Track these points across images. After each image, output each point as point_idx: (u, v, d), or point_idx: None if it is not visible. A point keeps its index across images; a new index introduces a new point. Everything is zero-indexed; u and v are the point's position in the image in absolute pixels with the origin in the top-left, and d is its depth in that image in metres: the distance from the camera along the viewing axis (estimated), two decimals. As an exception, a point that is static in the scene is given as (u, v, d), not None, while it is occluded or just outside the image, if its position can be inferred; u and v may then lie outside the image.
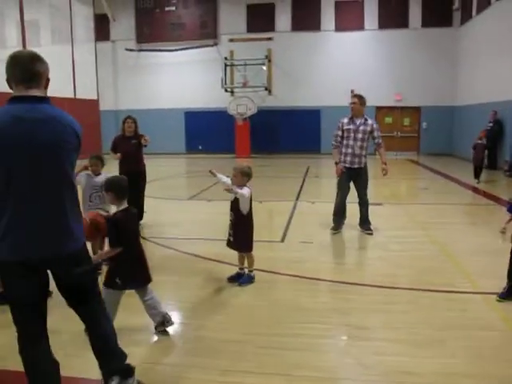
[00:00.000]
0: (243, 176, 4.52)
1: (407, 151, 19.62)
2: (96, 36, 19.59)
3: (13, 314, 2.49)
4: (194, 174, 14.29)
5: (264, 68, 18.89)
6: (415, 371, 3.05)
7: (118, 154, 6.79)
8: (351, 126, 6.55)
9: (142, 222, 6.81)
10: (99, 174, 5.16)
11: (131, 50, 20.98)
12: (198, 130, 20.62)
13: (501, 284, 4.19)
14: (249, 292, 4.50)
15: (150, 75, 20.71)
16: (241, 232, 4.56)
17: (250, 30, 20.11)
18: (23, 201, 2.33)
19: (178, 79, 20.50)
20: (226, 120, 19.34)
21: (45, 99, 2.42)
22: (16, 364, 2.62)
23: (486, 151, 12.30)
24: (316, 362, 3.23)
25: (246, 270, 4.75)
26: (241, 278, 4.66)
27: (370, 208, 6.84)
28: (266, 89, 18.94)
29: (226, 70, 19.08)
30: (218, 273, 4.97)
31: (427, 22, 19.07)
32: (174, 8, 20.73)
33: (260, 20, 20.05)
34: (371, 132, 6.57)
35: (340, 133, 6.65)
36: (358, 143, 6.52)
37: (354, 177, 6.67)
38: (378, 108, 19.79)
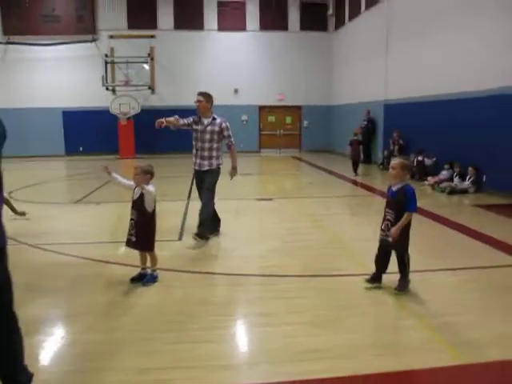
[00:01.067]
0: (145, 174, 4.45)
1: (290, 148, 20.58)
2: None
3: None
4: (76, 176, 13.57)
5: (146, 66, 18.51)
6: (322, 348, 3.29)
7: None
8: (198, 127, 6.11)
9: None
10: None
11: (-3, 43, 19.21)
12: (77, 130, 19.53)
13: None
14: (154, 291, 4.45)
15: (20, 71, 19.13)
16: (144, 231, 4.48)
17: (131, 26, 19.53)
18: None
19: (55, 76, 19.21)
20: (109, 119, 18.60)
21: None
22: None
23: (362, 147, 13.37)
24: (230, 351, 3.33)
25: (149, 270, 4.68)
26: (144, 278, 4.58)
27: (261, 203, 7.02)
28: (150, 88, 18.58)
29: (106, 67, 18.34)
30: (118, 275, 4.82)
31: (305, 25, 20.20)
32: (46, -1, 19.35)
33: (142, 17, 19.58)
34: (220, 132, 6.17)
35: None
36: (206, 145, 6.11)
37: (202, 178, 6.25)
38: (261, 107, 20.51)
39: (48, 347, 3.39)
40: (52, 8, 19.36)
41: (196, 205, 8.58)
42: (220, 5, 19.86)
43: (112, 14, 19.51)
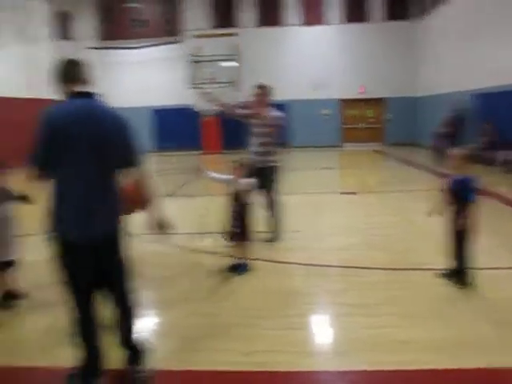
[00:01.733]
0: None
1: (373, 142, 20.23)
2: (56, 34, 19.21)
3: None
4: (165, 171, 14.37)
5: (230, 64, 19.03)
6: (409, 340, 3.36)
7: None
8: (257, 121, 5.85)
9: None
10: None
11: (93, 49, 20.66)
12: (166, 127, 20.57)
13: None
14: (248, 280, 4.73)
15: (114, 74, 20.50)
16: (244, 222, 4.79)
17: (215, 25, 20.21)
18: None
19: (144, 77, 20.39)
20: (194, 117, 19.39)
21: (93, 95, 2.75)
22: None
23: (448, 139, 12.88)
24: (321, 339, 3.53)
25: (243, 260, 4.94)
26: (239, 268, 4.86)
27: (345, 197, 7.05)
28: (233, 85, 19.08)
29: (192, 66, 19.11)
30: (212, 264, 5.14)
31: (388, 15, 19.72)
32: (136, 5, 20.55)
33: (225, 16, 20.21)
34: (272, 126, 5.84)
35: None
36: (260, 139, 5.84)
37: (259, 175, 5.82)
38: (342, 101, 20.31)
39: (155, 328, 3.76)
40: (141, 13, 20.50)
41: (285, 198, 8.85)
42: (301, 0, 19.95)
43: (196, 15, 20.29)
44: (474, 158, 4.47)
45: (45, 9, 18.57)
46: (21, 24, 17.03)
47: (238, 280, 4.71)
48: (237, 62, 19.03)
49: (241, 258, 4.94)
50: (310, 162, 15.42)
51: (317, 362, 3.18)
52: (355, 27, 19.81)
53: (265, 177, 5.66)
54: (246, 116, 5.90)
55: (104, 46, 20.66)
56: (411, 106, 19.85)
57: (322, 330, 3.73)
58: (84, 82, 2.77)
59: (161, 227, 3.05)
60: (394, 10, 19.65)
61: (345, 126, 20.65)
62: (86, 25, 20.82)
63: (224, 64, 19.07)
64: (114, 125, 2.74)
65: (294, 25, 20.12)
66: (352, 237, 6.19)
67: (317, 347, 3.43)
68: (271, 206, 5.91)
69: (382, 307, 3.94)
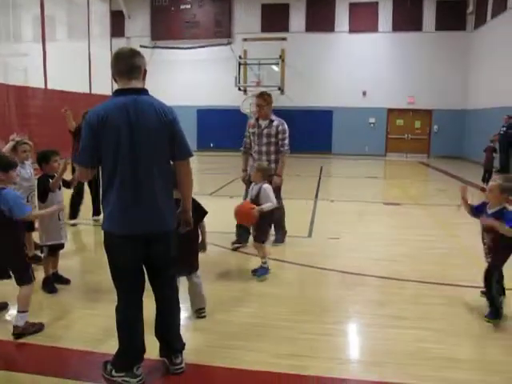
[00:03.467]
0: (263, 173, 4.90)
1: (418, 153, 19.79)
2: (111, 32, 19.81)
3: None
4: (207, 171, 14.52)
5: (277, 68, 19.07)
6: (454, 357, 3.24)
7: None
8: (255, 130, 5.81)
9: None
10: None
11: (145, 47, 21.12)
12: (209, 127, 20.80)
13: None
14: (286, 283, 4.72)
15: (163, 72, 20.88)
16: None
17: (264, 29, 20.31)
18: None
19: (192, 77, 20.70)
20: (238, 118, 19.50)
21: (143, 90, 2.75)
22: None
23: (497, 155, 12.41)
24: (360, 348, 3.45)
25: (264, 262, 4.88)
26: (259, 270, 4.83)
27: (388, 208, 6.91)
28: (279, 88, 19.10)
29: (239, 68, 19.26)
30: (249, 265, 5.14)
31: (441, 25, 19.24)
32: (189, 6, 20.94)
33: (274, 20, 20.26)
34: (277, 135, 5.72)
35: (248, 135, 5.96)
36: (264, 148, 5.75)
37: None
38: (390, 110, 19.99)
39: (191, 323, 3.78)
40: (193, 15, 20.86)
41: (324, 204, 8.81)
42: (352, 6, 19.77)
43: (246, 18, 20.47)
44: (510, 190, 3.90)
45: (102, 8, 19.20)
46: (79, 22, 17.69)
47: (275, 282, 4.68)
48: (284, 66, 19.03)
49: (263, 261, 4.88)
50: (352, 170, 15.24)
51: (352, 371, 3.11)
52: (406, 36, 19.44)
53: None
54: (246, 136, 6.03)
55: (156, 45, 21.12)
56: (460, 119, 19.29)
57: (359, 339, 3.65)
58: (138, 73, 2.78)
59: (188, 225, 3.09)
60: (448, 19, 19.15)
61: (390, 136, 20.29)
62: (140, 24, 21.37)
63: (271, 67, 19.10)
64: (164, 118, 2.74)
65: (343, 31, 19.96)
66: (394, 248, 6.06)
67: (352, 355, 3.37)
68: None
69: (422, 321, 3.82)
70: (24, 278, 3.45)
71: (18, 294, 3.46)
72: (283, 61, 19.05)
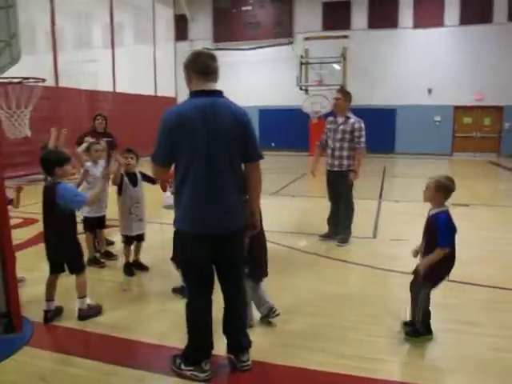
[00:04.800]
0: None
1: (486, 152, 18.88)
2: (175, 35, 20.38)
3: None
4: (269, 170, 14.57)
5: (339, 67, 18.84)
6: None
7: None
8: (332, 126, 5.98)
9: None
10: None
11: (209, 49, 21.52)
12: (271, 127, 20.89)
13: None
14: (351, 283, 4.69)
15: (226, 74, 21.04)
16: None
17: (325, 28, 20.14)
18: None
19: (253, 77, 20.88)
20: (300, 118, 19.48)
21: (220, 93, 2.83)
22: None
23: None
24: (427, 353, 3.36)
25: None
26: None
27: (457, 209, 6.65)
28: (342, 87, 18.86)
29: (301, 68, 19.21)
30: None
31: (512, 16, 18.24)
32: (250, 7, 21.14)
33: (336, 18, 20.02)
34: (352, 132, 5.81)
35: (326, 132, 6.12)
36: (337, 144, 5.86)
37: (333, 180, 6.05)
38: (456, 107, 19.21)
39: (256, 324, 3.76)
40: (254, 15, 21.04)
41: (388, 205, 8.62)
42: (416, 0, 19.14)
43: (307, 17, 20.37)
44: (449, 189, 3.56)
45: (167, 12, 19.80)
46: (145, 27, 18.34)
47: (340, 283, 4.65)
48: (346, 64, 18.77)
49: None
50: (417, 169, 14.77)
51: (420, 376, 3.04)
52: (473, 29, 18.54)
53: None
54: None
55: (218, 47, 21.48)
56: (535, 116, 18.22)
57: (427, 343, 3.54)
58: (215, 76, 2.87)
59: (255, 227, 3.07)
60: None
61: (457, 134, 19.49)
62: (202, 26, 21.83)
63: (332, 66, 18.92)
64: (239, 121, 2.80)
65: (407, 27, 19.39)
66: (463, 250, 5.77)
67: (420, 360, 3.28)
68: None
69: (495, 329, 3.67)
70: (78, 267, 3.79)
71: (75, 282, 3.80)
72: (345, 59, 18.81)
